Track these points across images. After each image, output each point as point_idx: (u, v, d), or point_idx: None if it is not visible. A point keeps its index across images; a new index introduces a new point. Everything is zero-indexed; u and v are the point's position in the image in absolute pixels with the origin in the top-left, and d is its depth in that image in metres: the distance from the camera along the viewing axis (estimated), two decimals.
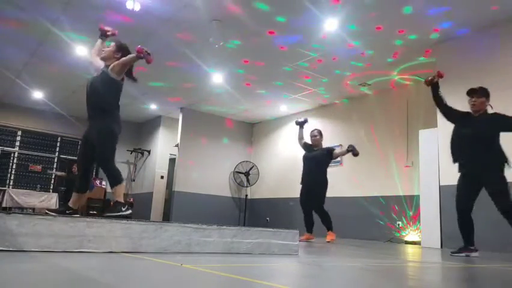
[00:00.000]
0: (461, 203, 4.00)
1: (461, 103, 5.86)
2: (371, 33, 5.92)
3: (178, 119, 10.47)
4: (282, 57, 6.87)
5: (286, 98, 9.04)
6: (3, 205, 8.74)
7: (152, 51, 7.48)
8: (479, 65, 5.61)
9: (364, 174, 8.12)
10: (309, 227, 5.78)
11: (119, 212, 3.41)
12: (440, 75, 4.18)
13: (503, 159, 3.86)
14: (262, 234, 2.89)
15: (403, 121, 7.61)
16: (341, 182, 8.47)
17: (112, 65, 3.58)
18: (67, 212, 3.52)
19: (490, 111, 4.07)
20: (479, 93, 4.06)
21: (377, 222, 7.57)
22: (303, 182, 5.93)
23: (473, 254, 3.92)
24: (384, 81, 7.71)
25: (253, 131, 11.50)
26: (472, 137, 3.95)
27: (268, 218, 10.10)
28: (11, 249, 2.05)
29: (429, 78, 4.20)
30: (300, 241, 5.19)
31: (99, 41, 3.90)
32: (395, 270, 2.55)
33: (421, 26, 5.65)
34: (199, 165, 10.32)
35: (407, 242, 6.74)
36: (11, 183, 10.72)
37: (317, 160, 5.79)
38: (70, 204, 3.61)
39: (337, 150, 6.07)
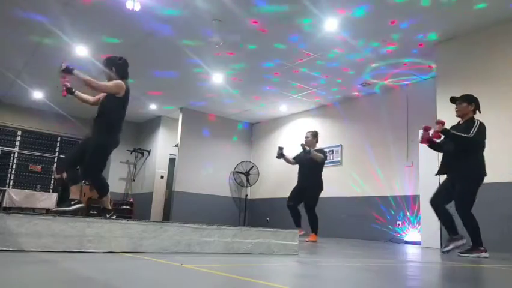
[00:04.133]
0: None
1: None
2: (371, 34, 5.93)
3: (178, 119, 10.47)
4: (282, 57, 6.87)
5: (286, 98, 9.03)
6: (3, 205, 8.74)
7: (152, 50, 7.44)
8: (479, 65, 5.60)
9: (364, 174, 8.12)
10: (297, 221, 5.73)
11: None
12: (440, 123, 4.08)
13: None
14: (262, 234, 2.89)
15: (403, 121, 7.61)
16: (341, 182, 8.46)
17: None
18: (72, 203, 3.70)
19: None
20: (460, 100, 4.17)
21: (377, 222, 7.56)
22: (297, 183, 5.94)
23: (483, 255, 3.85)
24: (385, 81, 7.70)
25: (253, 131, 11.51)
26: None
27: (268, 218, 10.10)
28: (11, 249, 2.05)
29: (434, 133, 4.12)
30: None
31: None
32: (395, 270, 2.55)
33: (421, 27, 5.65)
34: (199, 165, 10.33)
35: (407, 242, 6.74)
36: (11, 183, 10.72)
37: (310, 162, 5.73)
38: (72, 196, 3.82)
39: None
